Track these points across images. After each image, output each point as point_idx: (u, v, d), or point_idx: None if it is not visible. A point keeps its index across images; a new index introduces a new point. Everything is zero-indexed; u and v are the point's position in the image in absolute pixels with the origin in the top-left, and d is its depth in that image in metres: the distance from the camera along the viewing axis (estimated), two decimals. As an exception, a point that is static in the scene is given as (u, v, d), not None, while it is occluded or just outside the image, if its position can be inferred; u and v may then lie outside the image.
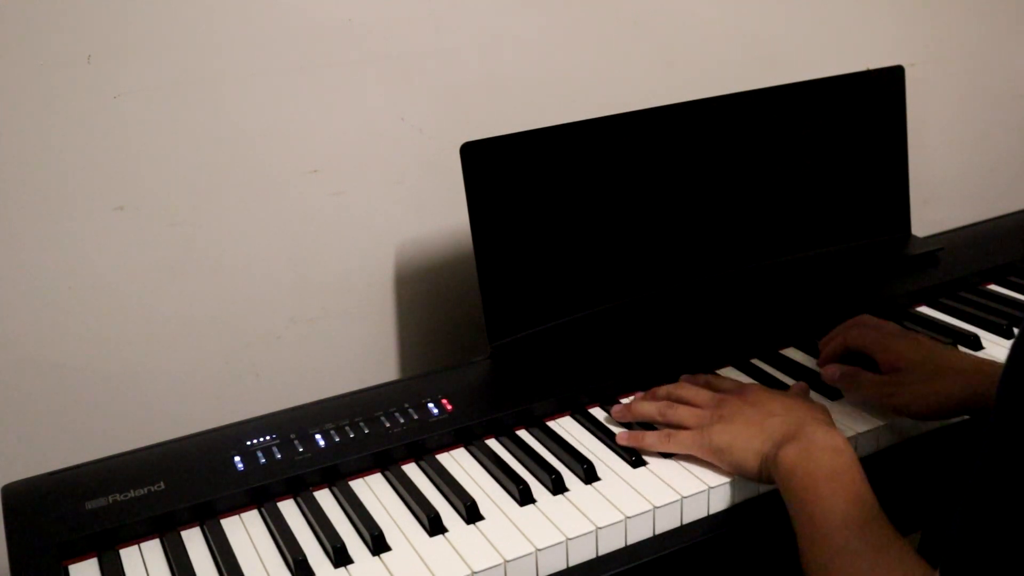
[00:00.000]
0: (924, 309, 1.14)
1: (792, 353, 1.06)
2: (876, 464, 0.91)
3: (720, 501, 0.85)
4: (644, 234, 1.10)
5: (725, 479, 0.85)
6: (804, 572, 0.74)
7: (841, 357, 0.98)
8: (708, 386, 0.94)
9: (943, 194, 1.56)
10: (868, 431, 0.91)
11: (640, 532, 0.82)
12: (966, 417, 0.92)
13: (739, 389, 0.92)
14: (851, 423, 0.91)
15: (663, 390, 0.95)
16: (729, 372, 1.03)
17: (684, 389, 0.93)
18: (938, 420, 0.91)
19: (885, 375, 0.93)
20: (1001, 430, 0.56)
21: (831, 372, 0.96)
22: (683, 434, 0.87)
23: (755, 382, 0.96)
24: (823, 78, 1.18)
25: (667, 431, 0.89)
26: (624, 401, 0.96)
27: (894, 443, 0.93)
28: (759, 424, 0.84)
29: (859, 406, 0.94)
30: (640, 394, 0.97)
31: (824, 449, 0.78)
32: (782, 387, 0.98)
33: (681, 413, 0.89)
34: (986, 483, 0.57)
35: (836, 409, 0.93)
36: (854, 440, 0.90)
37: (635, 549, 0.82)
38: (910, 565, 0.68)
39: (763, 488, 0.86)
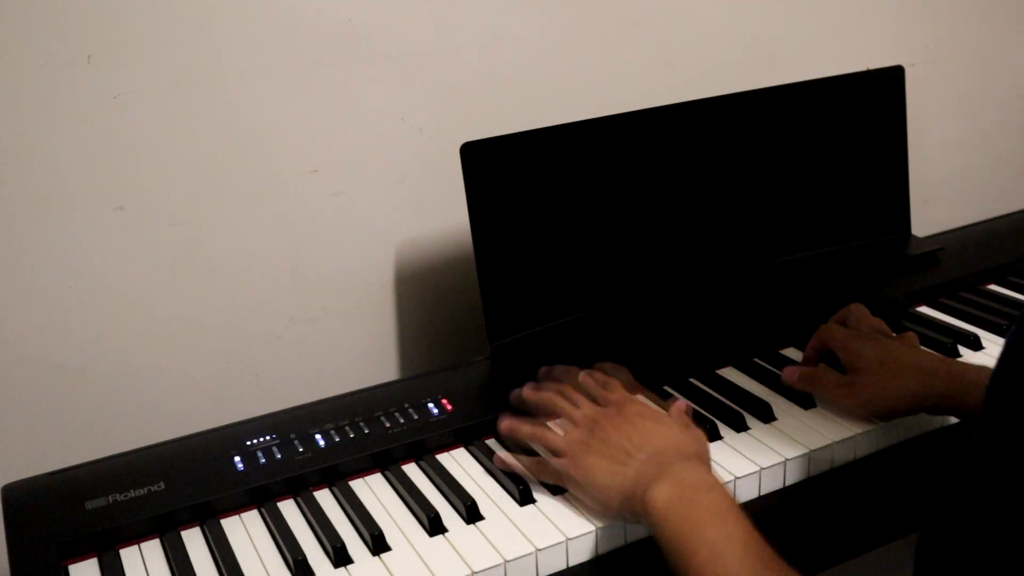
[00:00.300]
0: (924, 309, 1.15)
1: (792, 353, 1.06)
2: (875, 464, 0.91)
3: (720, 501, 0.85)
4: (644, 234, 1.10)
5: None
6: None
7: (822, 356, 0.98)
8: (596, 391, 0.89)
9: (943, 194, 1.56)
10: (868, 431, 0.91)
11: (640, 531, 0.82)
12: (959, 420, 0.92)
13: (616, 407, 0.86)
14: (851, 424, 0.91)
15: (547, 395, 0.90)
16: (730, 372, 1.03)
17: (561, 399, 0.89)
18: (895, 418, 0.91)
19: (846, 375, 0.93)
20: (988, 436, 0.55)
21: (790, 374, 0.96)
22: (553, 464, 0.83)
23: (639, 397, 0.90)
24: (823, 78, 1.18)
25: (539, 459, 0.85)
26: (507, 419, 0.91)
27: (892, 444, 0.92)
28: (622, 461, 0.80)
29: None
30: (530, 386, 0.93)
31: (697, 489, 0.75)
32: (783, 386, 0.98)
33: (551, 439, 0.85)
34: (971, 492, 0.56)
35: (820, 414, 0.93)
36: (852, 442, 0.90)
37: (635, 549, 0.82)
38: None
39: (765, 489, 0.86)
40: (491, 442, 0.93)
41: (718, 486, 0.76)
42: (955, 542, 0.56)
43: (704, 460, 0.81)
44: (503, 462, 0.88)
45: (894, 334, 0.98)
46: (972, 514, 0.56)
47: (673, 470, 0.77)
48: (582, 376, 0.92)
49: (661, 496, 0.75)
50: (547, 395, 0.90)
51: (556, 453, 0.84)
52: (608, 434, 0.82)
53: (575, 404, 0.88)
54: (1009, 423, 0.54)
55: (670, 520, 0.74)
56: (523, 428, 0.88)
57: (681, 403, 0.88)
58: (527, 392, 0.93)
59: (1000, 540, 0.54)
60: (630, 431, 0.82)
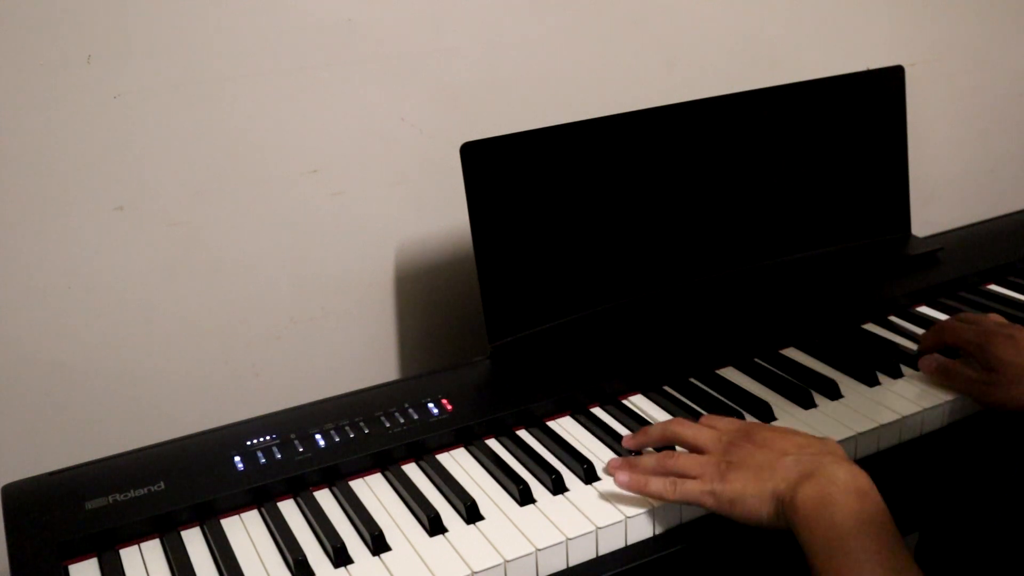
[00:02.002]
0: (924, 309, 1.15)
1: (792, 353, 1.06)
2: (876, 464, 0.91)
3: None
4: (644, 234, 1.10)
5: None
6: None
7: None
8: (708, 423, 0.87)
9: (943, 194, 1.56)
10: (868, 431, 0.91)
11: (640, 532, 0.82)
12: (964, 418, 0.92)
13: (745, 430, 0.84)
14: (851, 423, 0.91)
15: (657, 431, 0.88)
16: (730, 372, 1.03)
17: (683, 427, 0.86)
18: None
19: (981, 372, 0.94)
20: None
21: (928, 363, 0.97)
22: (690, 484, 0.80)
23: (755, 420, 0.90)
24: (823, 78, 1.18)
25: (673, 479, 0.81)
26: (618, 457, 0.88)
27: (893, 444, 0.93)
28: (771, 467, 0.77)
29: (857, 407, 0.94)
30: (629, 436, 0.90)
31: (848, 492, 0.72)
32: (783, 386, 0.98)
33: (686, 463, 0.82)
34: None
35: (820, 415, 0.93)
36: (853, 441, 0.90)
37: (635, 549, 0.82)
38: None
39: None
40: (491, 442, 0.94)
41: (872, 491, 0.73)
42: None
43: (853, 463, 0.77)
44: (632, 483, 0.83)
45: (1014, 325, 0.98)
46: None
47: (826, 469, 0.75)
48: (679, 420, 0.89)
49: (808, 497, 0.73)
50: (662, 427, 0.87)
51: (692, 476, 0.81)
52: (744, 451, 0.80)
53: (697, 433, 0.85)
54: None
55: (815, 527, 0.71)
56: (645, 461, 0.84)
57: None
58: (633, 438, 0.89)
59: None
60: (765, 444, 0.81)
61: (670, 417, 0.95)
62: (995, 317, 1.01)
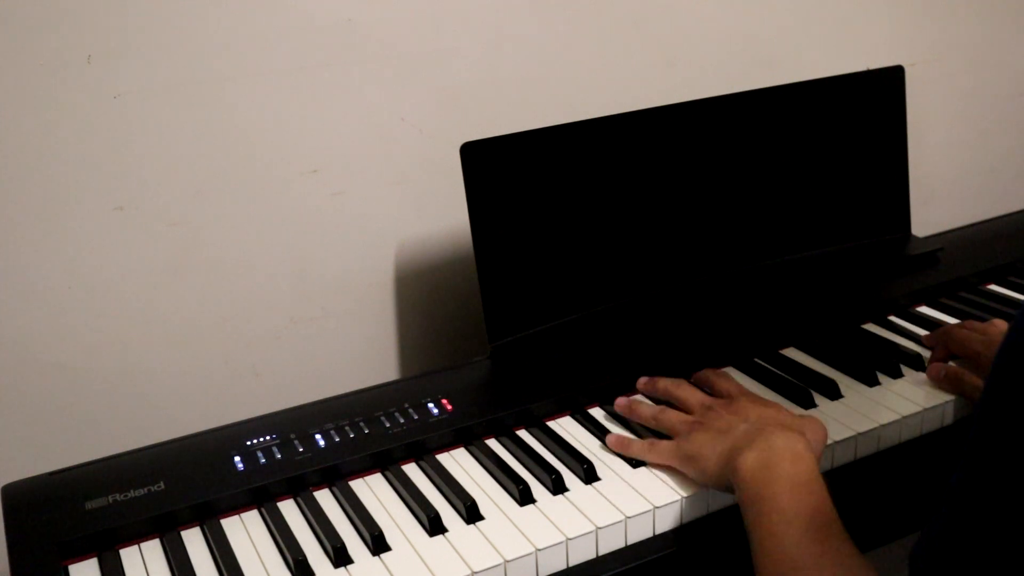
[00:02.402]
0: (924, 309, 1.15)
1: (792, 353, 1.06)
2: (876, 464, 0.91)
3: (720, 500, 0.85)
4: (644, 234, 1.10)
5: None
6: None
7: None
8: (710, 382, 0.95)
9: (943, 194, 1.56)
10: (868, 431, 0.91)
11: (640, 532, 0.82)
12: (965, 419, 0.92)
13: (729, 397, 0.91)
14: (851, 423, 0.91)
15: (663, 384, 0.96)
16: (730, 372, 1.03)
17: (681, 389, 0.94)
18: None
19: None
20: (983, 438, 0.55)
21: (935, 372, 0.97)
22: (663, 444, 0.87)
23: (753, 392, 0.94)
24: (823, 78, 1.18)
25: (651, 440, 0.89)
26: (630, 396, 0.97)
27: (893, 444, 0.93)
28: (728, 431, 0.83)
29: (857, 407, 0.94)
30: (645, 380, 0.97)
31: (783, 455, 0.77)
32: (783, 386, 0.98)
33: (670, 418, 0.90)
34: (965, 493, 0.56)
35: (820, 415, 0.94)
36: (853, 441, 0.90)
37: (635, 549, 0.82)
38: None
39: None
40: (491, 442, 0.94)
41: (807, 456, 0.77)
42: (950, 540, 0.57)
43: (806, 435, 0.81)
44: (617, 442, 0.90)
45: None
46: (968, 510, 0.56)
47: (767, 435, 0.79)
48: (695, 375, 0.98)
49: (748, 460, 0.77)
50: (665, 383, 0.95)
51: (671, 435, 0.88)
52: (719, 414, 0.87)
53: (689, 396, 0.93)
54: (1007, 419, 0.54)
55: (751, 484, 0.76)
56: (642, 409, 0.93)
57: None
58: (643, 384, 0.98)
59: (996, 537, 0.54)
60: (740, 411, 0.87)
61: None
62: (1000, 324, 1.00)
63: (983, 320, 1.03)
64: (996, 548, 0.54)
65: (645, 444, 0.89)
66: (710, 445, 0.83)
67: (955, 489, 0.57)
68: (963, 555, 0.56)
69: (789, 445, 0.78)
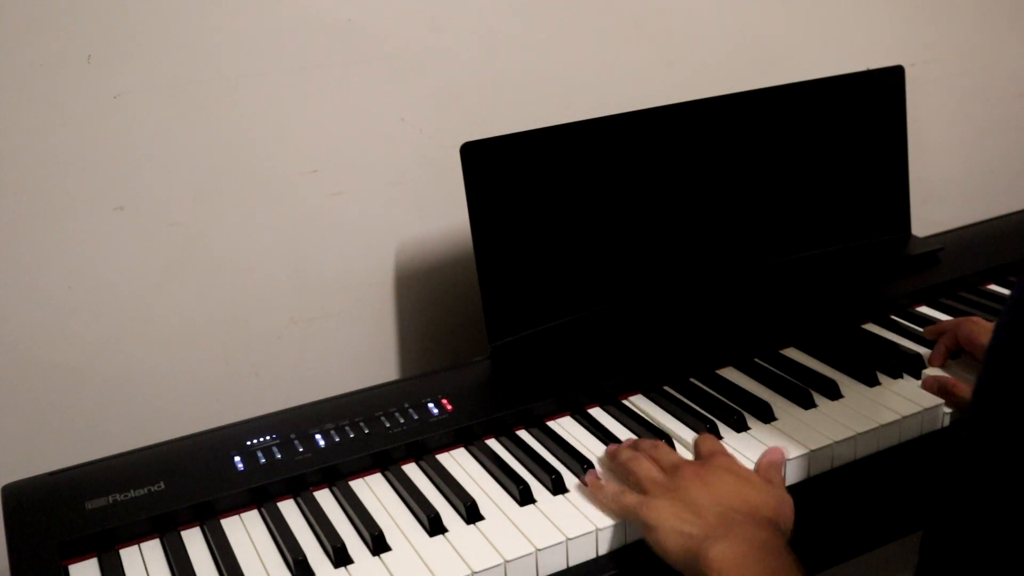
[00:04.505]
0: (924, 309, 1.15)
1: (792, 353, 1.06)
2: (875, 464, 0.91)
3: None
4: (644, 234, 1.10)
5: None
6: None
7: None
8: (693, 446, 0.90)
9: (943, 194, 1.56)
10: (868, 431, 0.91)
11: (640, 532, 0.82)
12: (964, 419, 0.92)
13: (704, 459, 0.85)
14: (851, 423, 0.91)
15: (622, 457, 0.88)
16: (730, 372, 1.03)
17: (659, 450, 0.87)
18: None
19: None
20: (975, 441, 0.55)
21: (930, 383, 0.96)
22: (629, 498, 0.81)
23: (731, 456, 0.87)
24: (823, 78, 1.18)
25: (622, 488, 0.83)
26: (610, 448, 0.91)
27: (893, 444, 0.92)
28: (696, 511, 0.78)
29: (857, 407, 0.94)
30: (612, 448, 0.90)
31: (761, 550, 0.73)
32: (783, 386, 0.98)
33: (640, 473, 0.83)
34: (960, 496, 0.56)
35: (820, 414, 0.93)
36: (852, 441, 0.90)
37: (635, 549, 0.82)
38: None
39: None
40: (491, 442, 0.94)
41: (784, 550, 0.74)
42: (950, 538, 0.57)
43: (779, 521, 0.79)
44: (594, 483, 0.85)
45: None
46: (966, 509, 0.56)
47: (741, 529, 0.75)
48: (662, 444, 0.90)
49: (722, 554, 0.73)
50: (625, 458, 0.87)
51: (639, 488, 0.82)
52: (688, 483, 0.81)
53: (667, 454, 0.87)
54: (999, 416, 0.54)
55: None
56: (623, 452, 0.87)
57: (774, 454, 0.86)
58: (615, 448, 0.90)
59: (992, 535, 0.54)
60: (710, 483, 0.81)
61: (670, 417, 0.96)
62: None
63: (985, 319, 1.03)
64: (997, 531, 0.54)
65: (616, 491, 0.83)
66: (672, 522, 0.77)
67: (957, 466, 0.57)
68: (967, 538, 0.56)
69: (765, 538, 0.75)
